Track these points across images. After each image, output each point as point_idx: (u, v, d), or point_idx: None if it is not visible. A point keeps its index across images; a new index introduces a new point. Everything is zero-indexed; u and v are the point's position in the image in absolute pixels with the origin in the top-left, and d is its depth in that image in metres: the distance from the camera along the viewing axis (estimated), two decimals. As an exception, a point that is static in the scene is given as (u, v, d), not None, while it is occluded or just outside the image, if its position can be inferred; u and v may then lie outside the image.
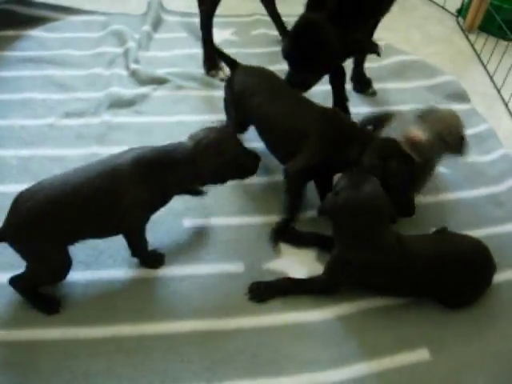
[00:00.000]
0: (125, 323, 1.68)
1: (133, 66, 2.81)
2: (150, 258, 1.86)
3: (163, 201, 1.82)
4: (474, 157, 2.41)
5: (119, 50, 2.96)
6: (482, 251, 1.81)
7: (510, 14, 3.40)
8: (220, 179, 1.86)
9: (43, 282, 1.74)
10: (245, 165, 1.86)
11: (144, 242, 1.84)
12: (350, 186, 1.71)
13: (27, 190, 1.65)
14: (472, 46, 3.38)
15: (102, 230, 1.76)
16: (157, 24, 3.27)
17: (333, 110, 2.22)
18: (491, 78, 3.08)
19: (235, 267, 1.87)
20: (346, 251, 1.74)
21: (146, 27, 3.16)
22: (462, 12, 3.67)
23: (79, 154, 2.26)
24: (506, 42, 3.16)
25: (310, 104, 2.08)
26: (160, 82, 2.75)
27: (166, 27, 3.27)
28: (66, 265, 1.71)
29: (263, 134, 2.14)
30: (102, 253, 1.87)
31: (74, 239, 1.72)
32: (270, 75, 2.21)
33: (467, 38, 3.46)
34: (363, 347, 1.67)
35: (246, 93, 2.13)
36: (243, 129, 2.19)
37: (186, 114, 2.52)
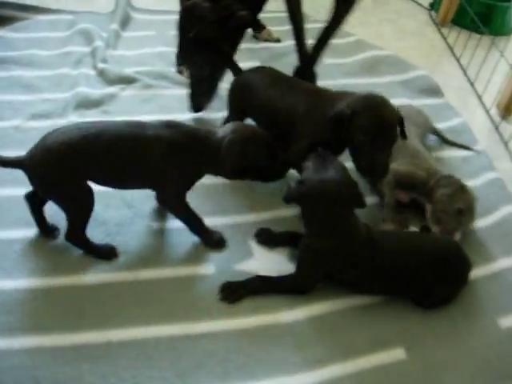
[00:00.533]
0: (92, 330, 1.63)
1: (100, 65, 2.77)
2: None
3: (190, 180, 1.86)
4: (448, 152, 2.41)
5: (86, 50, 2.93)
6: (456, 250, 1.77)
7: (482, 6, 3.42)
8: (238, 177, 1.85)
9: (82, 217, 1.78)
10: (268, 170, 1.82)
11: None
12: (315, 171, 1.67)
13: (55, 131, 1.77)
14: (445, 39, 3.38)
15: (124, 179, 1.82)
16: (125, 22, 3.24)
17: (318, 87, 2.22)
18: (464, 71, 3.08)
19: (205, 269, 1.83)
20: (313, 239, 1.71)
21: (114, 26, 3.13)
22: (434, 6, 3.68)
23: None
24: (478, 36, 3.17)
25: (301, 87, 2.08)
26: (128, 81, 2.72)
27: (134, 25, 3.25)
28: (91, 198, 1.77)
29: (264, 125, 2.10)
30: (69, 257, 1.82)
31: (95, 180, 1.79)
32: (272, 72, 2.22)
33: (440, 31, 3.47)
34: (337, 348, 1.64)
35: (248, 88, 2.15)
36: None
37: (155, 113, 2.48)
